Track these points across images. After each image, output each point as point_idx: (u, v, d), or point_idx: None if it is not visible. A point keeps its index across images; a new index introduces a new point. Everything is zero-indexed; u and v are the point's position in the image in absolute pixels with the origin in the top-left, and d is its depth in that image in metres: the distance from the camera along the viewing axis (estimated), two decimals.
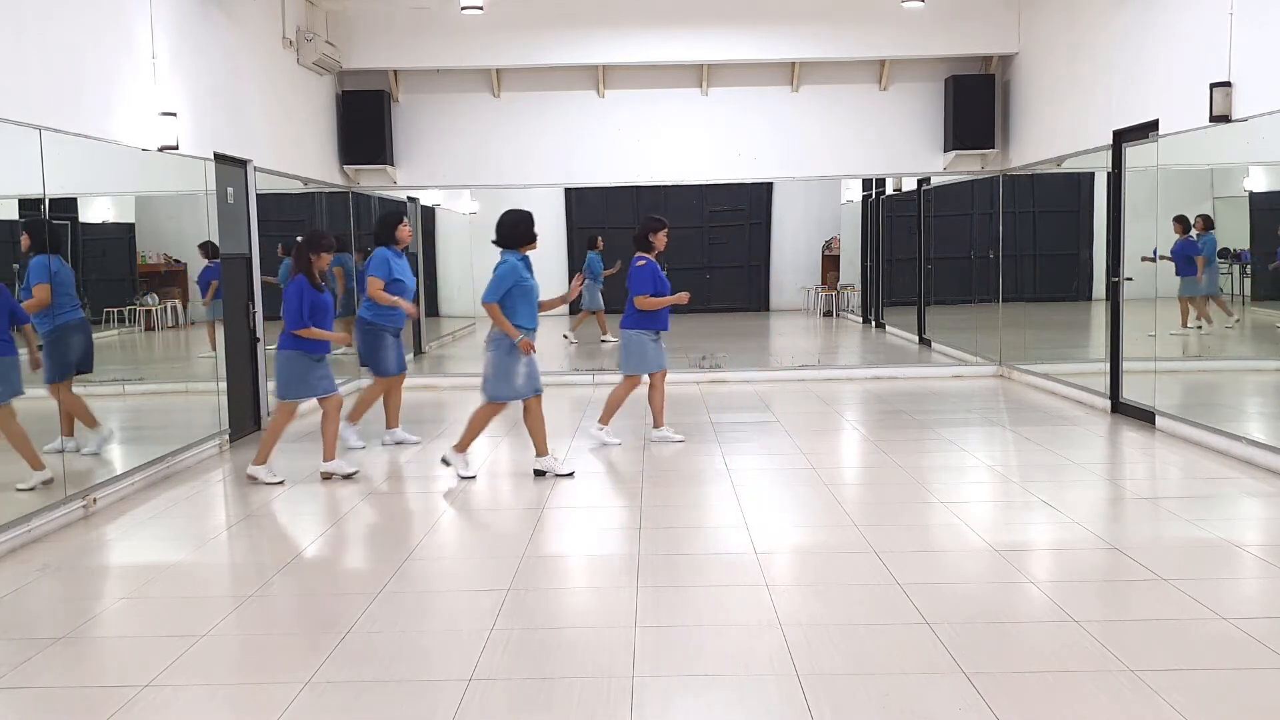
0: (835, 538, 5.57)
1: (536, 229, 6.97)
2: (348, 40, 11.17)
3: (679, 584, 4.87)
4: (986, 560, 5.13)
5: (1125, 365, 8.95)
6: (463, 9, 10.22)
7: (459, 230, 14.93)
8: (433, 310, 14.78)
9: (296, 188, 10.44)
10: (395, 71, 11.68)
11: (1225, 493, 6.38)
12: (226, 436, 8.33)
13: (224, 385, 8.33)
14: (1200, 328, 9.05)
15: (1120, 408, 8.96)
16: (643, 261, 7.88)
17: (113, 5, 7.01)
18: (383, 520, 6.24)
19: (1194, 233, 8.69)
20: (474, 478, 7.04)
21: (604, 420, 8.05)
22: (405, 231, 7.89)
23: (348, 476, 7.09)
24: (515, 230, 6.93)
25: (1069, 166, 10.31)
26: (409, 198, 13.27)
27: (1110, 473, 7.22)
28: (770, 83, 11.86)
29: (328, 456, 7.08)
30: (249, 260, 8.96)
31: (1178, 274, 8.69)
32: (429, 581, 5.03)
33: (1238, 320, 9.03)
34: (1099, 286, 10.01)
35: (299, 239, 7.12)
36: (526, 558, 5.28)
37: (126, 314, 8.30)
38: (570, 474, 7.03)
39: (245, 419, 8.80)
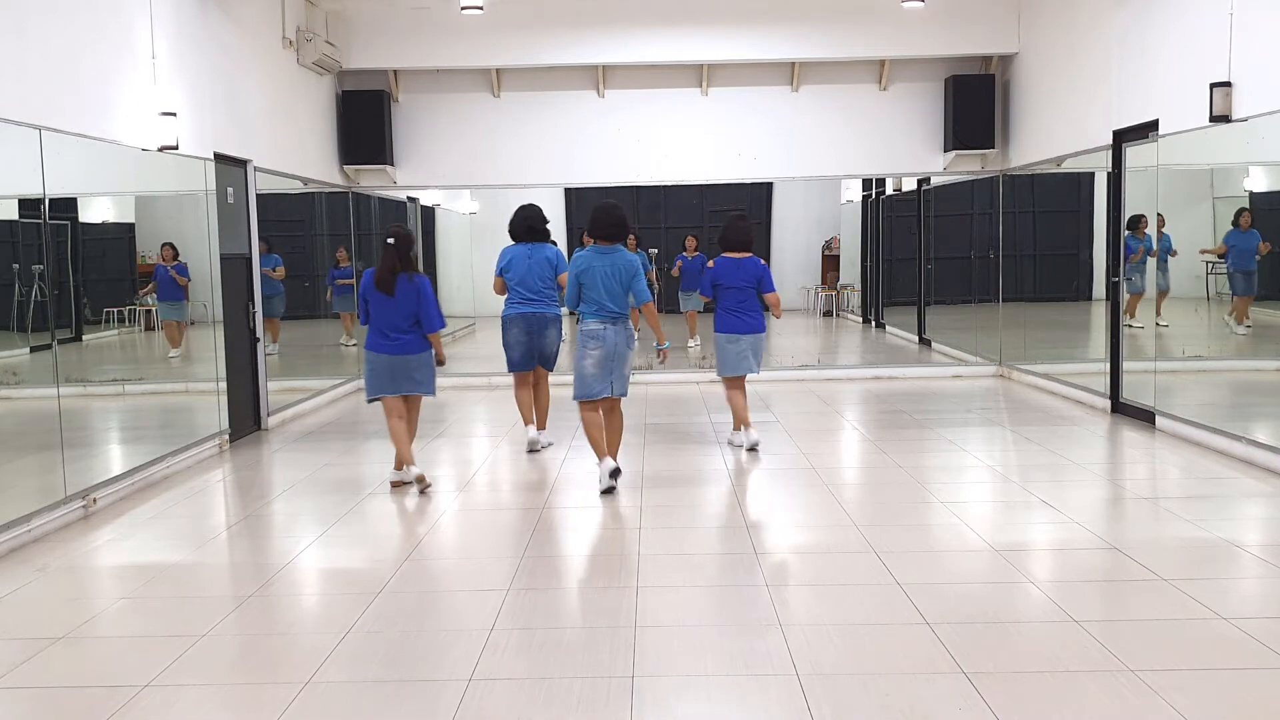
0: (835, 538, 5.57)
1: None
2: (348, 40, 11.17)
3: (679, 584, 4.87)
4: (986, 560, 5.13)
5: (1125, 365, 8.95)
6: (463, 9, 10.21)
7: (459, 230, 14.91)
8: None
9: (296, 188, 10.44)
10: (395, 71, 11.68)
11: (1225, 493, 6.38)
12: (226, 436, 8.33)
13: (224, 385, 8.34)
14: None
15: (1120, 408, 8.96)
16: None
17: (113, 5, 7.01)
18: (383, 520, 6.24)
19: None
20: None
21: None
22: None
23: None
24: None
25: (1069, 166, 10.31)
26: (409, 198, 13.26)
27: (1110, 473, 7.22)
28: (770, 83, 11.86)
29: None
30: (249, 260, 8.96)
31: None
32: (429, 581, 5.03)
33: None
34: (1099, 286, 10.00)
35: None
36: (526, 558, 5.29)
37: (126, 314, 8.29)
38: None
39: (245, 419, 8.80)
